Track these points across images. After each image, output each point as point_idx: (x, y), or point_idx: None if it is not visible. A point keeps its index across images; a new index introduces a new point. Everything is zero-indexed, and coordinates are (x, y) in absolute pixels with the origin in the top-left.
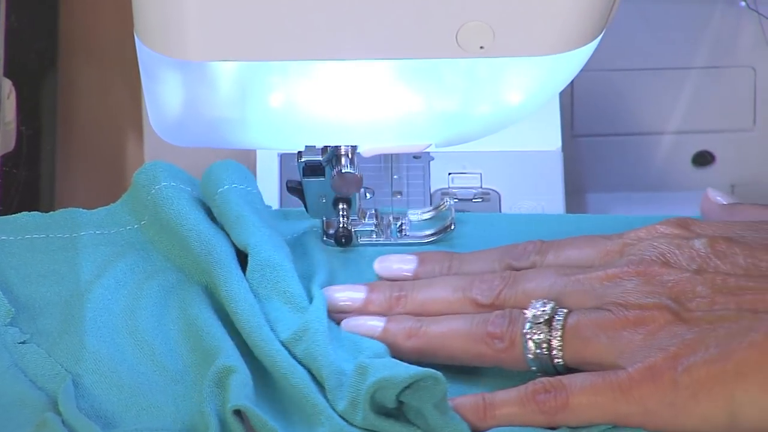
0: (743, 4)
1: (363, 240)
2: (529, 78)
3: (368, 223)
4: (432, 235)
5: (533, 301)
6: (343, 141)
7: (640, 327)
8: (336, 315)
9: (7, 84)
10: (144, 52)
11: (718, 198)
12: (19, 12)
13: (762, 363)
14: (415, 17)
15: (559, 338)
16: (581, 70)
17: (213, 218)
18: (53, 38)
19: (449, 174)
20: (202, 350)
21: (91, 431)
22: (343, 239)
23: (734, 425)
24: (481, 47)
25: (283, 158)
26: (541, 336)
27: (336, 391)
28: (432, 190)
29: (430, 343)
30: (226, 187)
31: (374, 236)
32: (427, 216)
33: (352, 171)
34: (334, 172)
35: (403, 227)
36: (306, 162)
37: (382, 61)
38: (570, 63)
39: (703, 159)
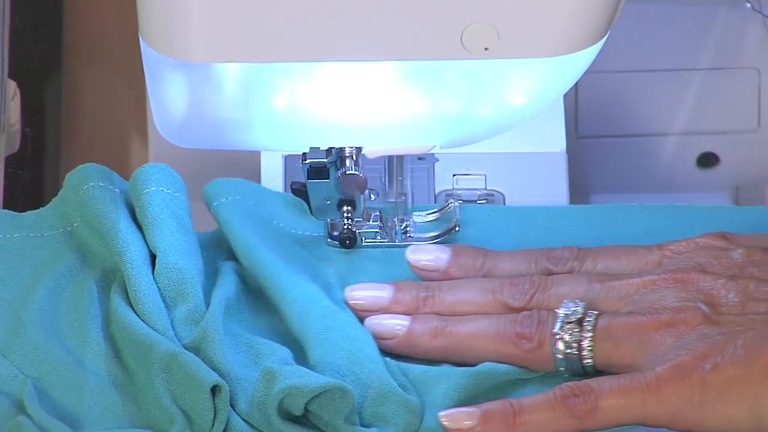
0: (748, 5)
1: (367, 241)
2: (534, 80)
3: (373, 225)
4: (437, 236)
5: (565, 300)
6: (347, 142)
7: (671, 329)
8: (359, 313)
9: (12, 85)
10: (148, 54)
11: None
12: (24, 13)
13: None
14: (419, 19)
15: (589, 339)
16: (585, 72)
17: (137, 220)
18: (57, 40)
19: (454, 175)
20: (144, 347)
21: None
22: (348, 241)
23: (759, 427)
24: (486, 49)
25: (288, 160)
26: (572, 336)
27: (236, 397)
28: (436, 192)
29: (457, 343)
30: (153, 188)
31: (378, 238)
32: (431, 217)
33: (356, 172)
34: (339, 173)
35: (408, 229)
36: (311, 164)
37: (386, 62)
38: (574, 65)
39: (708, 160)
